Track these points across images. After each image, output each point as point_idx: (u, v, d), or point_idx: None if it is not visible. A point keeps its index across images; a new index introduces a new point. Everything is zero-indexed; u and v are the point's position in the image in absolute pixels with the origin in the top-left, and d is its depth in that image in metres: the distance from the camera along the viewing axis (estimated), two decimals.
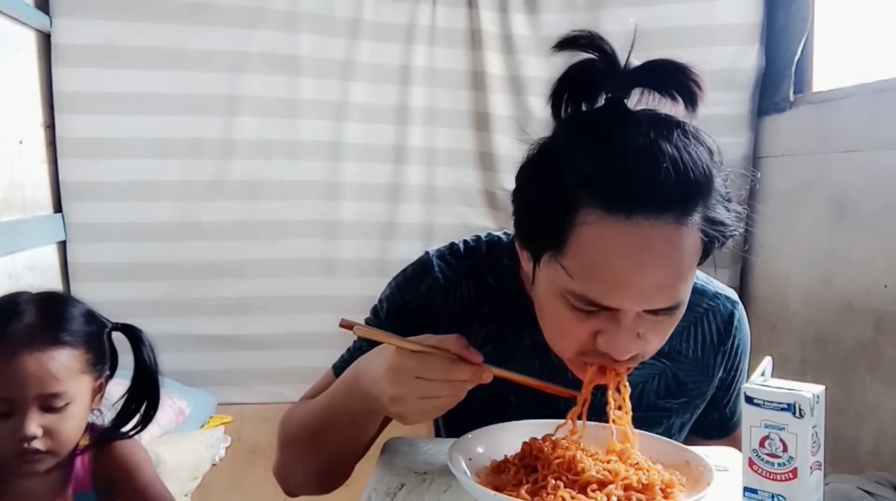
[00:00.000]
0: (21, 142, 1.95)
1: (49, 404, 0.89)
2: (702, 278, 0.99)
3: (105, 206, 2.16)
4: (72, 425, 0.92)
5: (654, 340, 0.78)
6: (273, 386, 2.31)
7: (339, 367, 0.96)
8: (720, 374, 0.98)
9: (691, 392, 0.96)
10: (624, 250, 0.70)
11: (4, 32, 1.87)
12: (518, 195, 0.79)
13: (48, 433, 0.89)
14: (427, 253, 0.96)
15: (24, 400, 0.88)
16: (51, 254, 2.11)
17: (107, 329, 0.98)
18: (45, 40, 2.08)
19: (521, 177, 0.78)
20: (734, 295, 0.99)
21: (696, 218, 0.72)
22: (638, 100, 0.76)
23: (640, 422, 0.94)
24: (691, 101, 0.73)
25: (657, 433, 0.91)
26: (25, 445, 0.88)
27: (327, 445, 0.90)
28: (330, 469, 0.94)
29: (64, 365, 0.90)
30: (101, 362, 0.97)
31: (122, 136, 2.16)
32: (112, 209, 2.16)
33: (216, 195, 2.24)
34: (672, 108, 0.75)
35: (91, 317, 0.97)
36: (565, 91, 0.76)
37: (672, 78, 0.73)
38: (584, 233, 0.71)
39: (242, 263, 2.27)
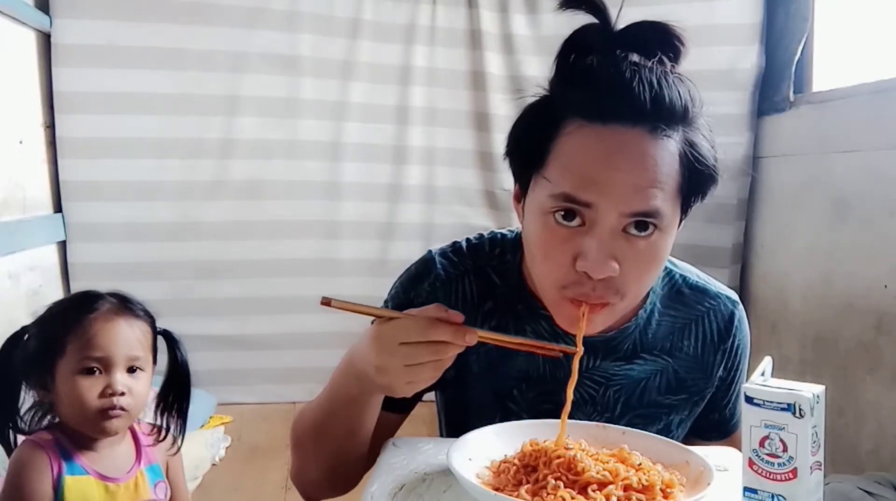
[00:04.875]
0: (21, 142, 1.95)
1: (132, 366, 1.01)
2: (703, 277, 0.99)
3: (105, 206, 2.16)
4: (144, 390, 1.03)
5: (631, 270, 0.78)
6: (273, 386, 2.32)
7: None
8: (719, 373, 0.98)
9: (690, 389, 0.97)
10: (599, 150, 0.76)
11: (4, 32, 1.87)
12: (513, 128, 0.85)
13: (129, 392, 1.00)
14: (430, 251, 0.98)
15: (116, 360, 0.99)
16: (51, 254, 2.11)
17: (158, 328, 1.08)
18: (45, 40, 2.08)
19: (519, 114, 0.85)
20: (735, 296, 1.00)
21: (675, 136, 0.76)
22: None
23: (641, 418, 0.94)
24: (675, 56, 0.79)
25: (657, 430, 0.92)
26: (115, 400, 0.98)
27: (331, 438, 0.90)
28: (337, 465, 0.94)
29: (144, 334, 1.04)
30: (155, 351, 1.07)
31: (122, 136, 2.16)
32: (112, 209, 2.17)
33: (216, 195, 2.24)
34: None
35: (149, 313, 1.08)
36: (571, 52, 0.81)
37: (655, 38, 0.78)
38: (565, 141, 0.77)
39: (242, 263, 2.27)
